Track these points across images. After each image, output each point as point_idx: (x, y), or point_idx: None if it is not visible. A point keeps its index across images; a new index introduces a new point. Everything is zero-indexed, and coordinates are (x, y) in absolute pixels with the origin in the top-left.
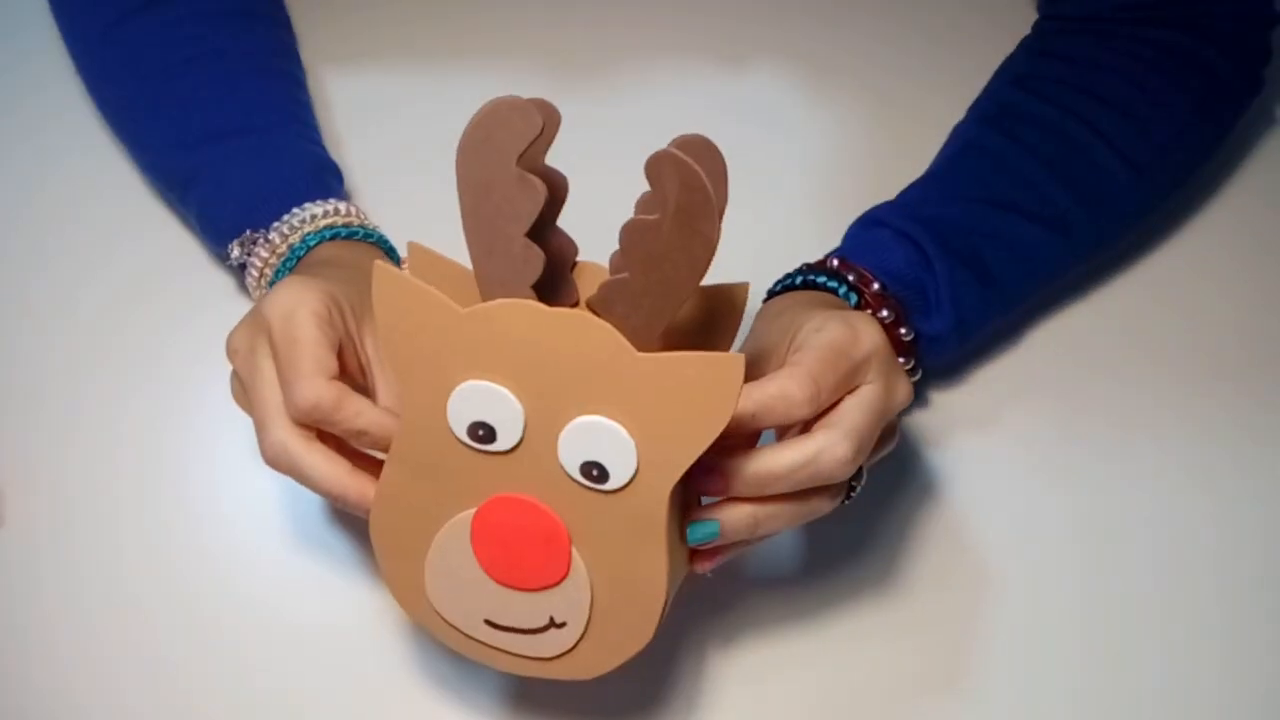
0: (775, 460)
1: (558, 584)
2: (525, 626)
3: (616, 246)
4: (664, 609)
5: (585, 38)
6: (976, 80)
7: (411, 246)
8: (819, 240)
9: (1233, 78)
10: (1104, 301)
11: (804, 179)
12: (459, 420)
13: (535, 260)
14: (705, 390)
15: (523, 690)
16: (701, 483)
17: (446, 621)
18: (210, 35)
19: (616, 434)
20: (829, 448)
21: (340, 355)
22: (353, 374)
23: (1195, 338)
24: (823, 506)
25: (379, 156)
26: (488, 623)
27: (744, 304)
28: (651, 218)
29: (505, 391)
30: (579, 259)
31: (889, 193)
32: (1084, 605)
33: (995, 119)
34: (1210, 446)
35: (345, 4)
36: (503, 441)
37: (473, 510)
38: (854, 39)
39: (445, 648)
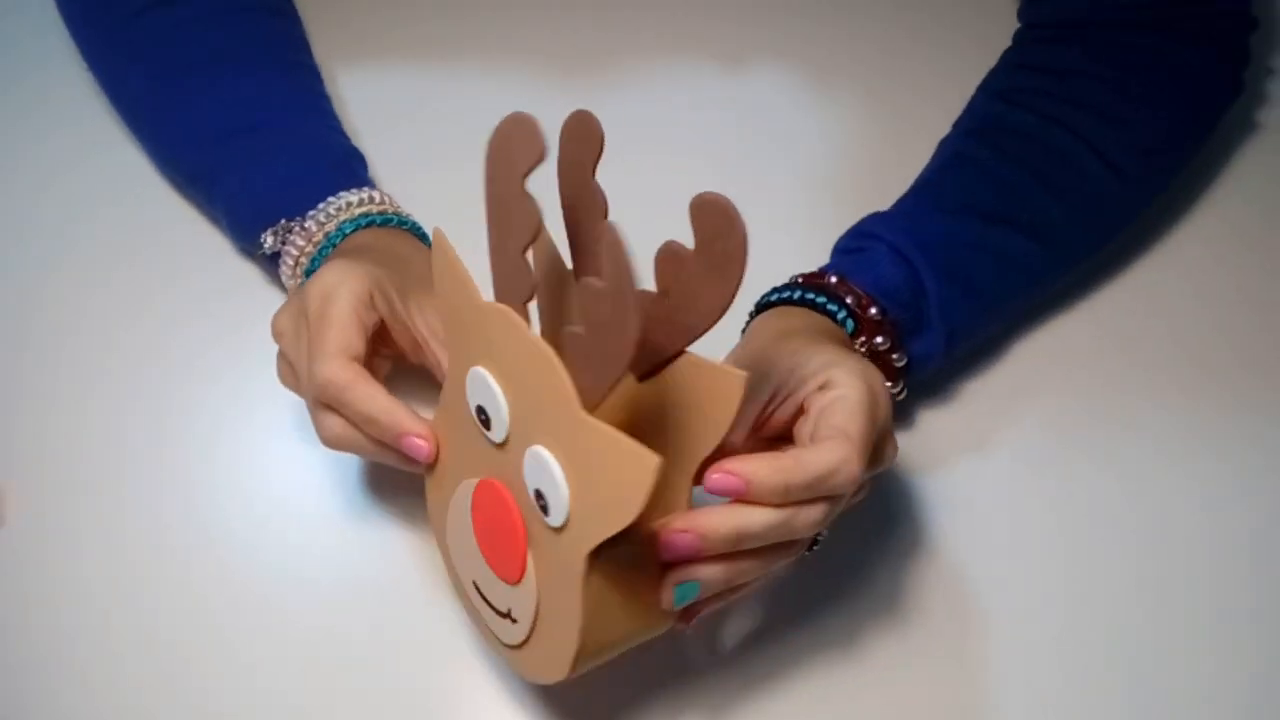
0: (750, 518)
1: (516, 583)
2: (495, 606)
3: None
4: (577, 658)
5: (587, 37)
6: (975, 82)
7: (436, 234)
8: (816, 241)
9: (1214, 81)
10: (1091, 310)
11: (802, 179)
12: (471, 399)
13: (526, 279)
14: (620, 480)
15: (531, 694)
16: (675, 541)
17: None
18: (227, 30)
19: (557, 479)
20: (803, 512)
21: (389, 336)
22: (406, 352)
23: (1182, 345)
24: (787, 558)
25: (390, 154)
26: (475, 586)
27: (739, 397)
28: (649, 289)
29: (499, 390)
30: None
31: (887, 194)
32: (1077, 618)
33: (979, 133)
34: (1202, 457)
35: (355, 4)
36: (494, 434)
37: (476, 481)
38: (854, 40)
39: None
